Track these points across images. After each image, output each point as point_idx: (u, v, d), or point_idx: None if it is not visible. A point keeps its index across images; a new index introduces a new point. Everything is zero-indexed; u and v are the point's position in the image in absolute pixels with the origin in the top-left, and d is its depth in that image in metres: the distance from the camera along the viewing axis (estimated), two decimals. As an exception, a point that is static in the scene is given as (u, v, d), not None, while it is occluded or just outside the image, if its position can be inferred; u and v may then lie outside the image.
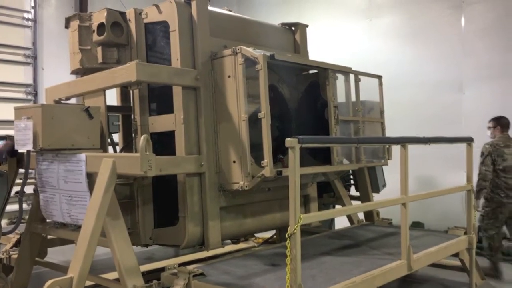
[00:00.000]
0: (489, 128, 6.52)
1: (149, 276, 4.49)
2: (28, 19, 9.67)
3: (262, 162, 4.18)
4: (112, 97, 5.57)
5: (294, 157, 2.96)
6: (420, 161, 7.91)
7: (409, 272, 4.14)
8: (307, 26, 5.87)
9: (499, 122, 6.43)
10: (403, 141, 3.98)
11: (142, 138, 3.50)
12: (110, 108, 5.19)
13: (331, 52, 9.23)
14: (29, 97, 9.43)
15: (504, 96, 7.80)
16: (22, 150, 4.17)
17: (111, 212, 3.70)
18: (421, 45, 8.73)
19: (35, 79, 9.60)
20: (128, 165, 3.61)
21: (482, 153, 6.24)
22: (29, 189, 4.92)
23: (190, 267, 3.73)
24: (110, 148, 5.25)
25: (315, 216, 3.66)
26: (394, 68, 8.71)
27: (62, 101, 4.81)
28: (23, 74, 9.53)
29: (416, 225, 8.27)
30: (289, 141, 2.97)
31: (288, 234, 2.97)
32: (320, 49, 8.96)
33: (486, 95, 7.99)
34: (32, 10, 9.70)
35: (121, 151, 5.34)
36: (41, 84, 9.36)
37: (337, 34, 9.82)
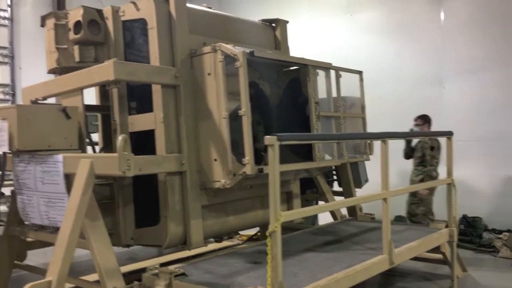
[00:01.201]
0: (417, 125, 7.08)
1: (131, 277, 4.45)
2: (4, 18, 9.47)
3: (243, 159, 4.15)
4: (92, 97, 5.49)
5: (273, 154, 2.94)
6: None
7: (391, 267, 4.16)
8: (287, 22, 5.85)
9: (426, 119, 7.14)
10: (383, 136, 3.99)
11: (120, 138, 3.45)
12: (88, 108, 5.11)
13: (312, 48, 9.22)
14: (7, 97, 9.25)
15: (484, 89, 7.90)
16: (-4, 151, 4.08)
17: (90, 214, 3.64)
18: (401, 40, 8.79)
19: (12, 79, 9.41)
20: (106, 166, 3.56)
21: (432, 147, 6.89)
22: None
23: (172, 267, 3.70)
24: (90, 149, 5.19)
25: (296, 213, 3.65)
26: (375, 63, 8.74)
27: (39, 101, 4.71)
28: (0, 74, 9.34)
29: (399, 220, 8.32)
30: (268, 139, 2.95)
31: (268, 232, 2.94)
32: (302, 45, 8.96)
33: (466, 89, 8.08)
34: (9, 9, 9.49)
35: (101, 151, 5.26)
36: (19, 84, 9.19)
37: (318, 29, 9.83)
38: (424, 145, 6.98)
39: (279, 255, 2.97)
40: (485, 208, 7.82)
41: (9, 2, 9.50)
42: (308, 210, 3.86)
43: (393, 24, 8.91)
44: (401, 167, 8.16)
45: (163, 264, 4.25)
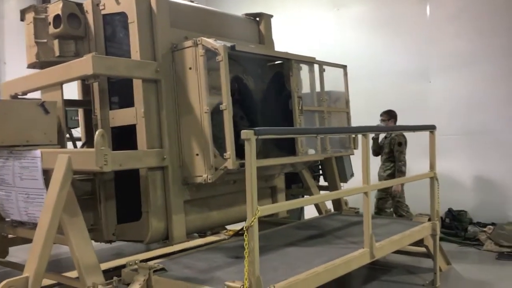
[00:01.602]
0: (383, 120, 7.07)
1: (115, 272, 4.41)
2: (-12, 12, 9.39)
3: (224, 154, 4.14)
4: (74, 91, 5.44)
5: (250, 149, 2.92)
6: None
7: (372, 260, 4.17)
8: (271, 16, 5.83)
9: (391, 115, 7.14)
10: (364, 130, 3.98)
11: (97, 133, 3.41)
12: (70, 103, 5.08)
13: (299, 43, 9.22)
14: (-9, 92, 9.15)
15: (469, 84, 7.91)
16: (-26, 147, 4.04)
17: (69, 209, 3.62)
18: (388, 35, 8.77)
19: (-3, 74, 9.34)
20: (83, 161, 3.53)
21: (400, 143, 6.92)
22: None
23: (151, 262, 3.68)
24: (70, 144, 5.15)
25: (272, 208, 3.65)
26: (362, 58, 8.73)
27: (19, 96, 4.66)
28: (-16, 69, 9.27)
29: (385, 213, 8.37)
30: (245, 133, 2.93)
31: (245, 227, 2.94)
32: (289, 39, 8.94)
33: (453, 83, 8.09)
34: (-8, 3, 9.42)
35: (82, 146, 5.22)
36: (4, 79, 9.07)
37: (305, 24, 9.80)
38: (392, 141, 6.98)
39: (257, 250, 2.96)
40: (471, 202, 7.86)
41: (-7, -3, 9.41)
42: (284, 205, 3.86)
43: (380, 19, 8.90)
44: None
45: (148, 260, 4.25)
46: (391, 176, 6.88)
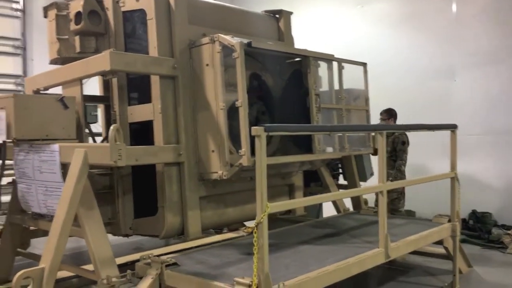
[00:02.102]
0: (383, 119, 7.02)
1: (133, 266, 4.47)
2: (17, 10, 9.61)
3: (239, 151, 4.14)
4: (96, 87, 5.54)
5: (260, 145, 2.92)
6: (418, 149, 7.88)
7: (386, 260, 4.11)
8: (291, 13, 5.79)
9: (391, 114, 7.05)
10: (380, 129, 3.93)
11: (111, 128, 3.46)
12: (90, 98, 5.16)
13: (322, 40, 9.16)
14: (19, 88, 9.39)
15: (495, 82, 7.73)
16: (-4, 140, 4.15)
17: (85, 202, 3.68)
18: (412, 32, 8.64)
19: (24, 70, 9.57)
20: (99, 155, 3.59)
21: (404, 142, 6.84)
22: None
23: (164, 257, 3.71)
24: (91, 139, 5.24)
25: (282, 205, 3.62)
26: (385, 55, 8.64)
27: (40, 91, 4.77)
28: (12, 65, 9.50)
29: (408, 214, 8.23)
30: (255, 130, 2.93)
31: (255, 223, 2.93)
32: (311, 37, 8.91)
33: (478, 81, 7.92)
34: (21, 1, 9.64)
35: (102, 141, 5.30)
36: (31, 75, 9.31)
37: (329, 21, 9.73)
38: (395, 140, 6.88)
39: (266, 247, 2.95)
40: (495, 203, 7.68)
41: (21, -6, 9.65)
42: (295, 202, 3.83)
43: (404, 15, 8.76)
44: (410, 161, 8.08)
45: (165, 254, 4.28)
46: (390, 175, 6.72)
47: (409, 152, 7.51)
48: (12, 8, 9.57)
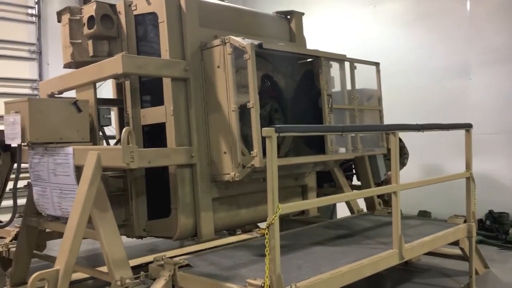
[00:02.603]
0: None
1: (147, 268, 4.50)
2: (32, 15, 9.76)
3: (251, 152, 4.15)
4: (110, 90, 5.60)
5: (271, 146, 2.91)
6: (432, 149, 7.82)
7: (400, 262, 4.07)
8: (303, 14, 5.78)
9: None
10: (392, 128, 3.90)
11: (124, 130, 3.49)
12: (103, 101, 5.21)
13: (334, 40, 9.13)
14: (35, 92, 9.52)
15: (510, 81, 7.61)
16: (12, 144, 4.21)
17: (99, 204, 3.71)
18: (426, 31, 8.57)
19: (40, 74, 9.71)
20: (112, 158, 3.61)
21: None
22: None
23: (177, 258, 3.73)
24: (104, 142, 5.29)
25: (294, 206, 3.61)
26: (399, 55, 8.58)
27: (55, 95, 4.83)
28: (28, 70, 9.64)
29: (423, 214, 8.17)
30: (266, 131, 2.92)
31: (266, 224, 2.93)
32: (324, 37, 8.88)
33: (493, 80, 7.81)
34: (36, 6, 9.78)
35: (116, 144, 5.34)
36: (47, 79, 9.44)
37: (341, 21, 9.69)
38: None
39: (277, 248, 2.95)
40: (512, 204, 7.56)
41: (36, 0, 9.77)
42: (306, 203, 3.82)
43: (418, 14, 8.69)
44: (424, 161, 8.02)
45: (178, 256, 4.30)
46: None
47: (424, 152, 7.46)
48: (27, 14, 9.72)
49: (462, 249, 5.15)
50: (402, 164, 6.89)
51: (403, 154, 6.95)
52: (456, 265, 5.60)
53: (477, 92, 7.94)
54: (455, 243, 5.12)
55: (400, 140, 6.87)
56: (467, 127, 4.99)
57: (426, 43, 8.53)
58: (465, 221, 5.08)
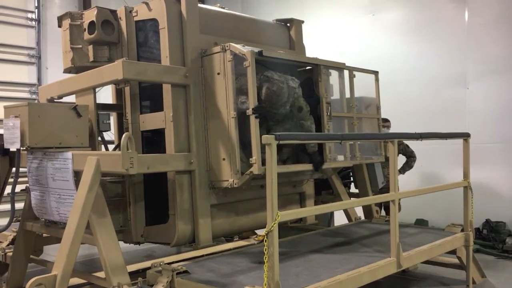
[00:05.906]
0: (388, 127, 7.35)
1: (144, 273, 4.49)
2: (32, 19, 9.78)
3: (250, 159, 4.15)
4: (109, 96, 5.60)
5: (271, 154, 2.92)
6: (430, 157, 7.83)
7: (398, 270, 4.08)
8: (302, 22, 5.81)
9: (387, 120, 7.30)
10: (390, 137, 3.91)
11: (123, 136, 3.50)
12: (103, 107, 5.22)
13: (333, 48, 9.18)
14: (34, 96, 9.52)
15: (509, 90, 7.65)
16: (11, 148, 4.20)
17: (97, 210, 3.71)
18: (424, 40, 8.61)
19: (39, 79, 9.71)
20: (111, 163, 3.62)
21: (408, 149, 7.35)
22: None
23: (175, 265, 3.72)
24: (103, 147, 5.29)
25: (293, 213, 3.63)
26: (397, 63, 8.62)
27: (54, 100, 4.83)
28: (27, 74, 9.64)
29: (420, 223, 8.18)
30: (266, 138, 2.94)
31: (265, 231, 2.93)
32: (323, 45, 8.91)
33: (491, 90, 7.85)
34: (36, 10, 9.80)
35: (114, 149, 5.35)
36: (46, 84, 9.44)
37: (340, 29, 9.74)
38: (400, 146, 7.15)
39: (276, 255, 2.95)
40: (509, 213, 7.57)
41: (36, 4, 9.80)
42: (305, 211, 3.82)
43: (416, 24, 8.74)
44: (424, 169, 8.02)
45: (176, 262, 4.29)
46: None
47: (422, 161, 7.48)
48: (27, 18, 9.74)
49: (459, 258, 5.16)
50: (410, 166, 7.27)
51: (412, 157, 7.26)
52: (453, 274, 5.61)
53: (474, 102, 7.98)
54: (452, 252, 5.13)
55: (408, 146, 6.96)
56: (465, 136, 5.01)
57: (424, 52, 8.57)
58: (462, 230, 5.09)
